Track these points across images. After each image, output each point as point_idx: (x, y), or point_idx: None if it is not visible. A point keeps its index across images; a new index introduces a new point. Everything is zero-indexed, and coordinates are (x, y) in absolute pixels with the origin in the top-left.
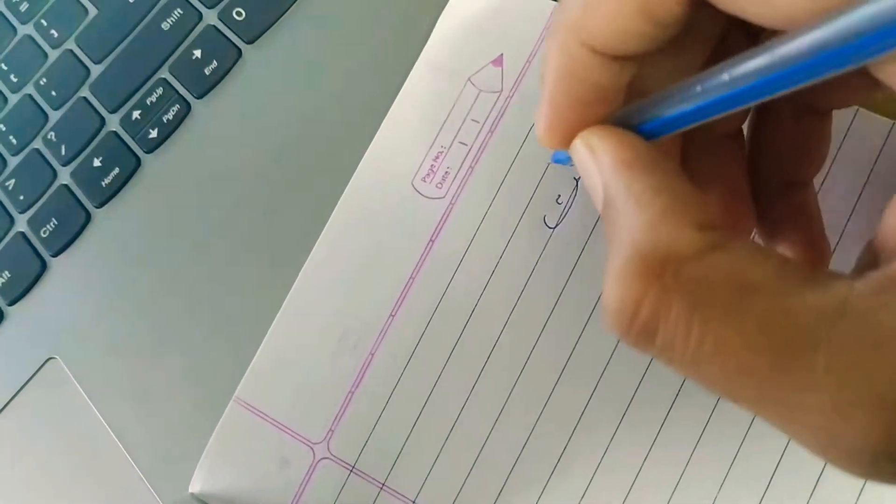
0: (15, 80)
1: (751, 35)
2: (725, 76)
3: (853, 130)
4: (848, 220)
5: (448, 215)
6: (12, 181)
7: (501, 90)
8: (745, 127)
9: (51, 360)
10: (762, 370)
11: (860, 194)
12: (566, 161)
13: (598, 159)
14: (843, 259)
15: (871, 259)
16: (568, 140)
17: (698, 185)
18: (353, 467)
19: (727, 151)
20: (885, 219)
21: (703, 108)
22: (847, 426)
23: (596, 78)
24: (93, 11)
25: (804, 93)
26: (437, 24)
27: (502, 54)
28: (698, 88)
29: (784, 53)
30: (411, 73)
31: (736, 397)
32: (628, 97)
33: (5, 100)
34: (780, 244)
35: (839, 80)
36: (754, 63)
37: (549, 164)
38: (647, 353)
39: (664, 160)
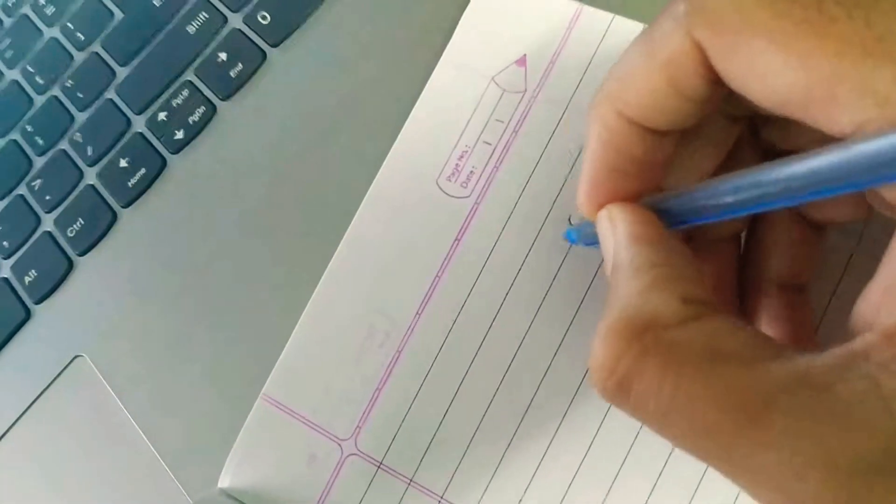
0: (41, 81)
1: (760, 148)
2: (740, 186)
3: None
4: None
5: (473, 215)
6: (39, 181)
7: (525, 90)
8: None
9: (78, 358)
10: (726, 428)
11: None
12: (574, 241)
13: (615, 229)
14: None
15: (846, 334)
16: (608, 202)
17: None
18: (381, 463)
19: (722, 255)
20: (857, 306)
21: (718, 209)
22: (801, 487)
23: (631, 148)
24: (118, 15)
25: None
26: (460, 24)
27: (525, 55)
28: (716, 192)
29: (790, 173)
30: (434, 72)
31: (701, 453)
32: (660, 182)
33: (31, 101)
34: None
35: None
36: (771, 175)
37: (571, 168)
38: (622, 408)
39: (671, 239)
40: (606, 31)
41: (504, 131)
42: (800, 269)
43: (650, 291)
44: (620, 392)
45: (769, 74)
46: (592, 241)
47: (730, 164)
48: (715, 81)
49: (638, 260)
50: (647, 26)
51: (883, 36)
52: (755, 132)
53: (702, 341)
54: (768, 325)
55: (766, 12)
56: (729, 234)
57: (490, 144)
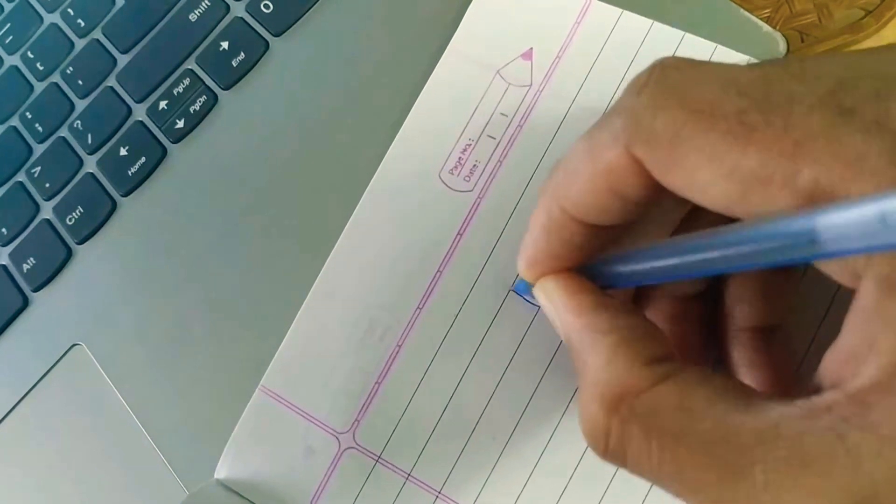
0: (41, 68)
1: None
2: (674, 258)
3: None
4: None
5: (476, 209)
6: (38, 168)
7: (531, 84)
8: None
9: (75, 347)
10: (713, 485)
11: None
12: (524, 292)
13: (555, 304)
14: None
15: (812, 388)
16: (541, 277)
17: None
18: (379, 457)
19: (687, 312)
20: (822, 364)
21: (650, 275)
22: None
23: (572, 238)
24: (119, 1)
25: None
26: (466, 15)
27: (532, 48)
28: (648, 260)
29: (729, 243)
30: (439, 63)
31: None
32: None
33: (31, 88)
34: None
35: None
36: (699, 244)
37: None
38: (623, 469)
39: (614, 301)
40: (615, 26)
41: (509, 125)
42: (772, 312)
43: (612, 361)
44: (617, 460)
45: (707, 186)
46: None
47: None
48: (655, 186)
49: (590, 332)
50: (591, 126)
51: (800, 140)
52: None
53: (674, 402)
54: (747, 372)
55: (694, 127)
56: (693, 291)
57: (494, 138)
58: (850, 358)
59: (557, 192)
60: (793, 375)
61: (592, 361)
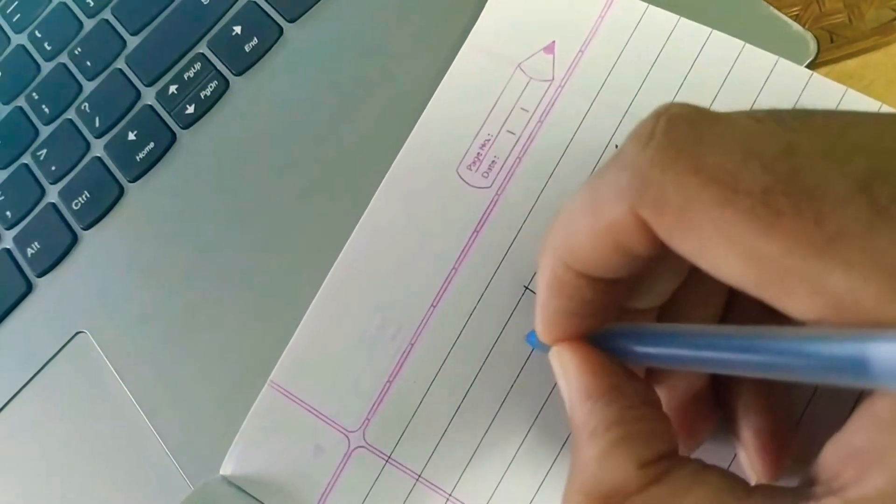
0: (49, 48)
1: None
2: (709, 352)
3: None
4: None
5: (494, 206)
6: (44, 151)
7: (553, 79)
8: None
9: (80, 335)
10: None
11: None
12: (536, 345)
13: (567, 379)
14: None
15: (809, 482)
16: (565, 339)
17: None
18: (389, 457)
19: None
20: (825, 450)
21: (677, 361)
22: None
23: (581, 294)
24: None
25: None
26: (486, 5)
27: (554, 41)
28: (675, 349)
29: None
30: (458, 55)
31: None
32: (620, 310)
33: (39, 68)
34: (744, 430)
35: None
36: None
37: (599, 160)
38: None
39: (628, 386)
40: (640, 21)
41: (529, 121)
42: None
43: (607, 458)
44: None
45: (719, 261)
46: None
47: (692, 279)
48: (662, 245)
49: (592, 421)
50: (593, 176)
51: (833, 236)
52: None
53: None
54: (745, 416)
55: (710, 198)
56: None
57: (514, 134)
58: (854, 458)
59: (559, 248)
60: (789, 431)
61: (587, 451)
